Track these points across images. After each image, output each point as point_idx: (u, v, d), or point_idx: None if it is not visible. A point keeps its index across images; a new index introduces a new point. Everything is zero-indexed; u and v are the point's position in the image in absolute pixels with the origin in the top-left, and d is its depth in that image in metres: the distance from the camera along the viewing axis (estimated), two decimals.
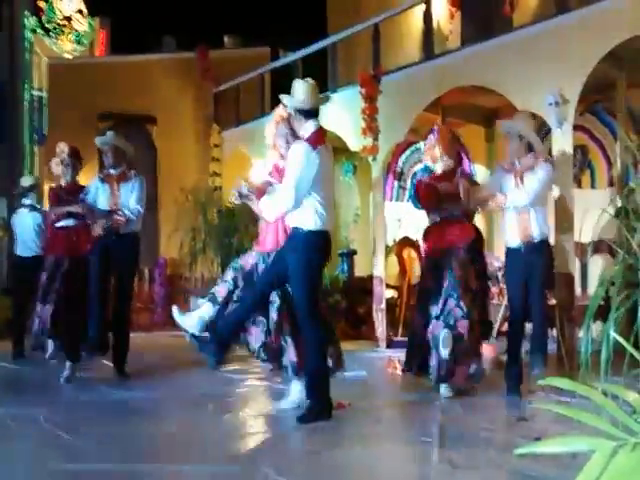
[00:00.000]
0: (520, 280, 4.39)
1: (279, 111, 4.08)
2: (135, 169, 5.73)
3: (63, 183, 5.60)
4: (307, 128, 3.80)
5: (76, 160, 5.59)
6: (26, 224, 6.56)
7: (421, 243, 5.14)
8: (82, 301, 5.21)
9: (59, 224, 5.51)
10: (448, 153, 4.76)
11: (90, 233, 5.44)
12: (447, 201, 4.69)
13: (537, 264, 4.41)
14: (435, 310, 4.50)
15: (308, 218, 3.70)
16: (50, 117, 10.98)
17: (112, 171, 5.54)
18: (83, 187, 5.64)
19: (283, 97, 3.91)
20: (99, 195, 5.35)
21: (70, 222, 5.46)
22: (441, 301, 4.48)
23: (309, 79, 3.95)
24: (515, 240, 4.43)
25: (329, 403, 3.77)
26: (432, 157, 4.82)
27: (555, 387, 1.31)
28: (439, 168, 4.82)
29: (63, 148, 5.49)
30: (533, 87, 6.14)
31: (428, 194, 4.79)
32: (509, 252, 4.49)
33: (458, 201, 4.66)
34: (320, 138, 3.80)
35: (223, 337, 3.85)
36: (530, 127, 4.62)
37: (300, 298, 3.73)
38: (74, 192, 5.47)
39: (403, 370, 4.92)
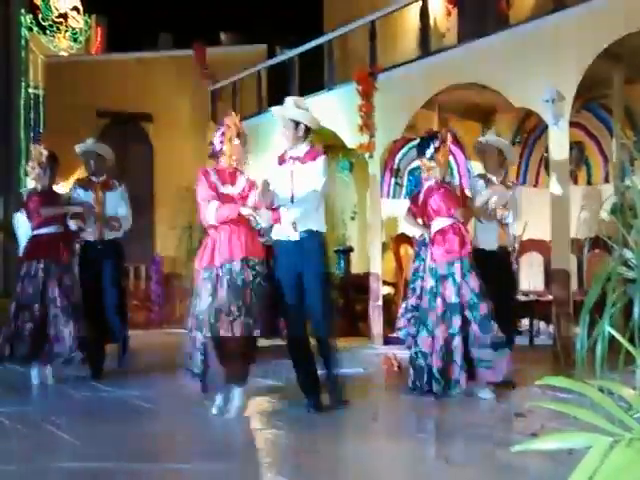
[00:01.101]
0: (492, 280, 4.63)
1: (237, 121, 4.08)
2: (115, 176, 5.78)
3: (39, 187, 5.28)
4: (306, 144, 4.11)
5: (54, 165, 5.40)
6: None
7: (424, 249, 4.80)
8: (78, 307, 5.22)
9: (41, 231, 5.18)
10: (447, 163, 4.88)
11: (70, 241, 5.33)
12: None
13: (508, 267, 5.07)
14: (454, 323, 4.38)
15: (321, 221, 4.07)
16: (46, 115, 10.95)
17: (94, 178, 5.52)
18: (59, 194, 5.51)
19: (299, 114, 4.11)
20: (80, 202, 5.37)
21: (52, 229, 5.17)
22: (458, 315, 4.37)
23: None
24: (493, 245, 4.87)
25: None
26: (440, 164, 4.69)
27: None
28: (439, 175, 4.69)
29: (42, 151, 5.33)
30: (529, 84, 6.15)
31: (454, 198, 4.66)
32: (486, 254, 4.77)
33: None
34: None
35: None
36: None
37: (320, 297, 3.97)
38: (51, 198, 5.27)
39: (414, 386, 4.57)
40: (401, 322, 4.82)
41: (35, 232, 5.23)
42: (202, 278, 3.88)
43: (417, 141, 5.00)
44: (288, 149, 4.14)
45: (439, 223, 4.55)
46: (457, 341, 4.28)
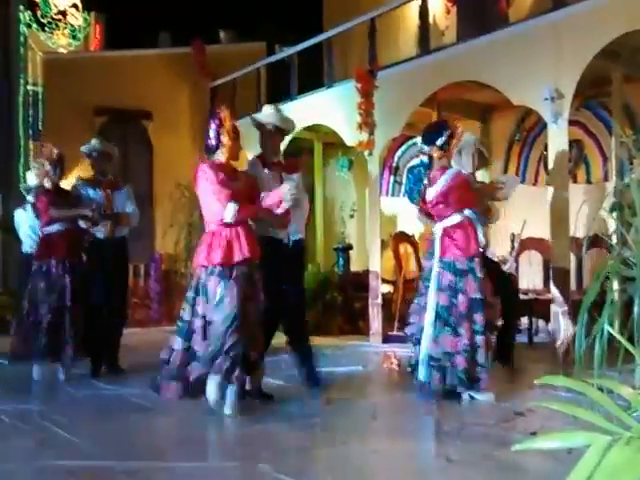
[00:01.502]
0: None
1: (229, 115, 4.09)
2: (117, 174, 5.88)
3: (47, 185, 5.32)
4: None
5: (63, 164, 5.40)
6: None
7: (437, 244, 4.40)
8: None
9: (51, 228, 5.21)
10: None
11: (80, 238, 5.35)
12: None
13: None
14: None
15: None
16: (45, 112, 10.93)
17: (101, 177, 5.56)
18: (69, 191, 5.51)
19: (287, 123, 4.28)
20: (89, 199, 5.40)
21: (63, 226, 5.20)
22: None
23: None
24: (482, 241, 4.75)
25: None
26: (451, 154, 4.54)
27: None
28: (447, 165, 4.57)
29: (53, 149, 5.40)
30: (529, 82, 6.14)
31: (475, 195, 4.49)
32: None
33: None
34: None
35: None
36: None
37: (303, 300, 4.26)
38: (61, 196, 5.32)
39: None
40: (412, 318, 4.61)
41: (46, 230, 5.27)
42: (214, 276, 3.71)
43: (417, 139, 4.80)
44: (269, 155, 4.16)
45: (458, 217, 4.32)
46: (480, 339, 4.13)
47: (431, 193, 4.41)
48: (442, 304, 4.20)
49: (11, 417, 3.78)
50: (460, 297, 4.17)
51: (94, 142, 5.64)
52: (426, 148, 4.50)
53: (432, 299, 4.26)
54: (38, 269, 5.18)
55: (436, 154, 4.43)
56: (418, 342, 4.33)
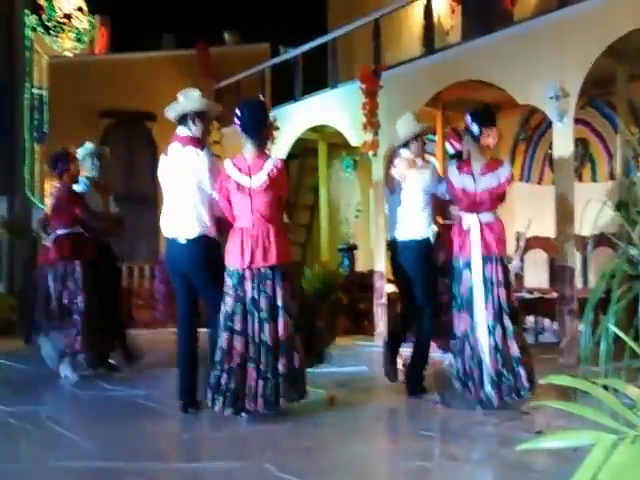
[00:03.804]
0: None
1: None
2: (114, 177, 5.96)
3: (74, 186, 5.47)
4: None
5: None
6: None
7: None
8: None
9: (67, 231, 5.29)
10: None
11: (86, 241, 5.41)
12: None
13: None
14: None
15: None
16: (50, 115, 10.97)
17: (99, 180, 5.60)
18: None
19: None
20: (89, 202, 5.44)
21: (75, 229, 5.31)
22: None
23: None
24: None
25: None
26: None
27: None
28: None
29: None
30: (534, 81, 6.13)
31: None
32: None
33: None
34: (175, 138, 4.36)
35: None
36: None
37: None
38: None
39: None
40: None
41: (60, 232, 5.31)
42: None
43: (483, 111, 4.30)
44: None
45: (495, 213, 4.11)
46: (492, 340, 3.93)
47: (491, 181, 4.03)
48: (504, 299, 3.91)
49: (18, 418, 3.80)
50: (493, 294, 3.94)
51: (89, 145, 5.72)
52: (478, 130, 4.07)
53: (482, 296, 3.93)
54: (53, 271, 5.22)
55: (491, 138, 4.08)
56: (461, 352, 3.99)
